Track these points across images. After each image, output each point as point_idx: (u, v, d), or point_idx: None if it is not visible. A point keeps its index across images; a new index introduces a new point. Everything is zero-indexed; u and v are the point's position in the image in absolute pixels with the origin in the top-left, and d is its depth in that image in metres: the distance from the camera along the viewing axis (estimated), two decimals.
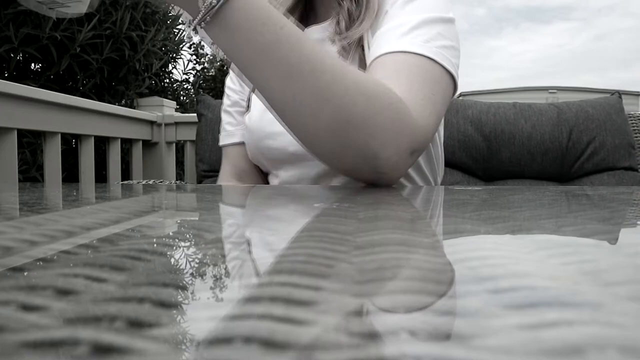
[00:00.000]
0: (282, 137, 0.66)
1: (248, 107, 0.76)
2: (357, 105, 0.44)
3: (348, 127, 0.45)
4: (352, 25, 0.65)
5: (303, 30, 0.71)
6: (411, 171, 0.68)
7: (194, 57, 3.52)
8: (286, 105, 0.45)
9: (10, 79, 1.71)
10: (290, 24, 0.44)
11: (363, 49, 0.64)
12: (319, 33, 0.68)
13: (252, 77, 0.45)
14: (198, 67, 3.47)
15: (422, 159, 0.69)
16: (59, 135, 1.35)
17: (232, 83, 0.82)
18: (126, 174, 1.93)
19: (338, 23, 0.66)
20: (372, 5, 0.65)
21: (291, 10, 0.70)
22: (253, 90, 0.49)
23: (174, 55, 2.69)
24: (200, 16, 0.41)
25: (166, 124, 1.91)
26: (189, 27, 0.43)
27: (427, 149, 0.70)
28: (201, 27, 0.42)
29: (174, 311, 0.10)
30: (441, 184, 0.79)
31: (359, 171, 0.49)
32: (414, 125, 0.50)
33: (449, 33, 0.61)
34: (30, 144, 1.72)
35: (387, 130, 0.46)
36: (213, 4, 0.40)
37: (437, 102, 0.56)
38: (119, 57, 2.04)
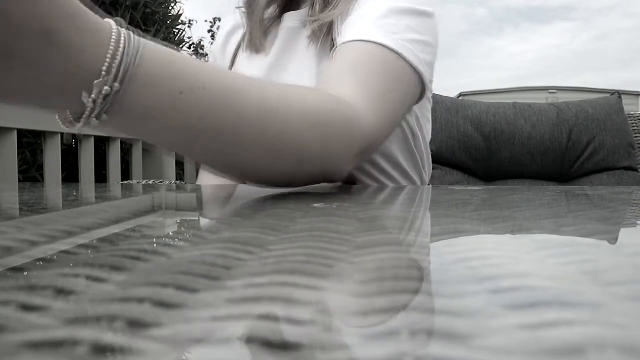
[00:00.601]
0: None
1: None
2: (310, 141, 0.39)
3: (303, 163, 0.40)
4: (326, 9, 0.63)
5: (280, 19, 0.68)
6: (391, 169, 0.66)
7: (194, 57, 3.52)
8: (234, 171, 0.40)
9: None
10: (218, 75, 0.35)
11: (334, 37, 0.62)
12: (295, 19, 0.67)
13: (189, 154, 0.37)
14: None
15: (401, 157, 0.67)
16: (59, 135, 1.35)
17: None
18: (126, 174, 1.93)
19: (313, 6, 0.64)
20: None
21: (269, 3, 0.68)
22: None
23: None
24: (89, 113, 0.29)
25: None
26: (69, 126, 0.32)
27: (409, 147, 0.68)
28: (96, 121, 0.30)
29: (174, 311, 0.10)
30: (441, 184, 0.79)
31: (305, 183, 0.45)
32: (363, 128, 0.46)
33: (422, 27, 0.57)
34: (30, 144, 1.72)
35: (339, 149, 0.42)
36: (107, 92, 0.28)
37: (395, 100, 0.52)
38: None
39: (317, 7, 0.64)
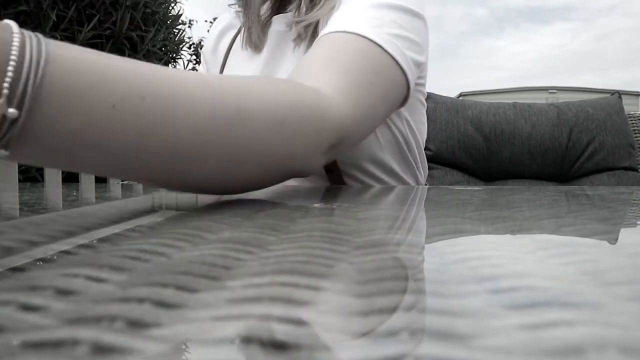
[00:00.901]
0: None
1: None
2: (272, 143, 0.34)
3: (265, 167, 0.35)
4: (312, 10, 0.61)
5: (270, 19, 0.65)
6: (384, 176, 0.64)
7: (194, 57, 3.52)
8: (185, 188, 0.33)
9: None
10: (162, 79, 0.28)
11: None
12: (281, 22, 0.66)
13: (132, 178, 0.31)
14: (198, 67, 3.48)
15: (394, 164, 0.65)
16: None
17: (204, 70, 0.78)
18: None
19: (299, 7, 0.62)
20: None
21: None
22: None
23: (174, 55, 2.70)
24: None
25: None
26: None
27: (402, 154, 0.66)
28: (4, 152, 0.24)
29: (174, 311, 0.10)
30: (441, 184, 0.79)
31: (269, 185, 0.39)
32: (334, 121, 0.41)
33: (409, 24, 0.54)
34: None
35: (306, 147, 0.38)
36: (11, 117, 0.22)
37: (375, 94, 0.48)
38: None
39: (304, 9, 0.62)
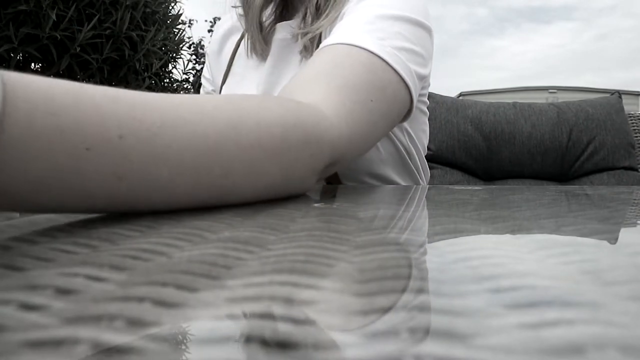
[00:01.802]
0: None
1: None
2: (266, 171, 0.32)
3: (258, 193, 0.33)
4: (317, 20, 0.58)
5: (274, 25, 0.63)
6: (381, 184, 0.62)
7: (194, 57, 3.52)
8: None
9: None
10: (143, 113, 0.25)
11: None
12: (286, 31, 0.63)
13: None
14: (198, 67, 3.48)
15: (396, 176, 0.64)
16: None
17: (208, 73, 0.76)
18: None
19: (304, 17, 0.60)
20: None
21: (265, 4, 0.64)
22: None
23: (174, 55, 2.70)
24: None
25: None
26: None
27: (405, 165, 0.64)
28: None
29: (174, 310, 0.10)
30: (441, 184, 0.78)
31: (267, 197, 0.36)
32: (332, 140, 0.39)
33: (414, 36, 0.52)
34: None
35: (302, 172, 0.36)
36: None
37: (376, 111, 0.46)
38: (119, 56, 2.04)
39: (309, 19, 0.59)
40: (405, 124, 0.62)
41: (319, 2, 0.59)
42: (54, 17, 2.03)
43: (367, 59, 0.47)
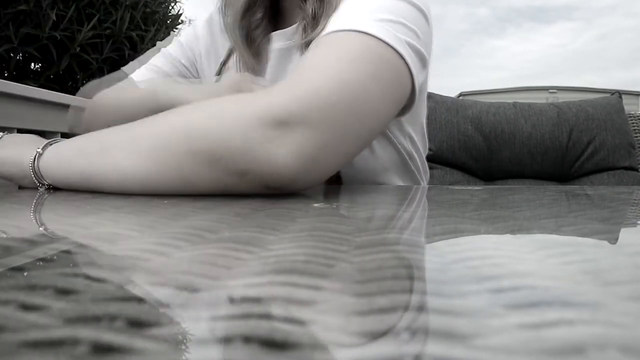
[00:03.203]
0: None
1: None
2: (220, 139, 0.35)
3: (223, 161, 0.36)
4: (316, 28, 0.56)
5: (269, 34, 0.58)
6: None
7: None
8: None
9: (10, 78, 1.71)
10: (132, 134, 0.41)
11: None
12: (283, 40, 0.61)
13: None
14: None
15: (399, 180, 0.63)
16: (59, 135, 1.35)
17: (186, 60, 0.71)
18: None
19: (305, 29, 0.57)
20: (334, 1, 0.54)
21: (252, 12, 0.61)
22: None
23: None
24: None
25: None
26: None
27: (407, 169, 0.63)
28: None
29: (174, 310, 0.10)
30: (441, 184, 0.78)
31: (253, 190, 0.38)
32: (260, 170, 0.37)
33: (410, 16, 0.49)
34: None
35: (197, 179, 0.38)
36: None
37: (371, 90, 0.42)
38: (119, 56, 2.04)
39: (308, 28, 0.56)
40: (408, 128, 0.61)
41: (314, 10, 0.56)
42: (54, 17, 2.03)
43: (357, 37, 0.44)
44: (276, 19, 0.63)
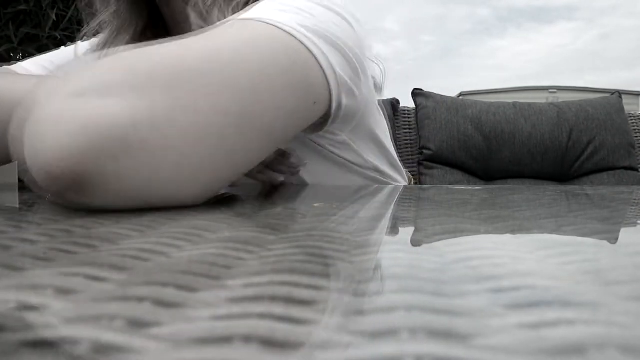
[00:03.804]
0: None
1: None
2: None
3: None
4: None
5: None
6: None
7: None
8: None
9: None
10: None
11: None
12: None
13: None
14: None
15: (358, 178, 0.56)
16: None
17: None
18: None
19: None
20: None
21: (126, 33, 0.56)
22: None
23: None
24: None
25: None
26: None
27: (357, 171, 0.56)
28: None
29: (174, 310, 0.10)
30: (441, 184, 0.78)
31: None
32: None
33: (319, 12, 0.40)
34: None
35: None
36: None
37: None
38: None
39: None
40: (344, 136, 0.53)
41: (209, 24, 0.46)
42: (53, 16, 2.03)
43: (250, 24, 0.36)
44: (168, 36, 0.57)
